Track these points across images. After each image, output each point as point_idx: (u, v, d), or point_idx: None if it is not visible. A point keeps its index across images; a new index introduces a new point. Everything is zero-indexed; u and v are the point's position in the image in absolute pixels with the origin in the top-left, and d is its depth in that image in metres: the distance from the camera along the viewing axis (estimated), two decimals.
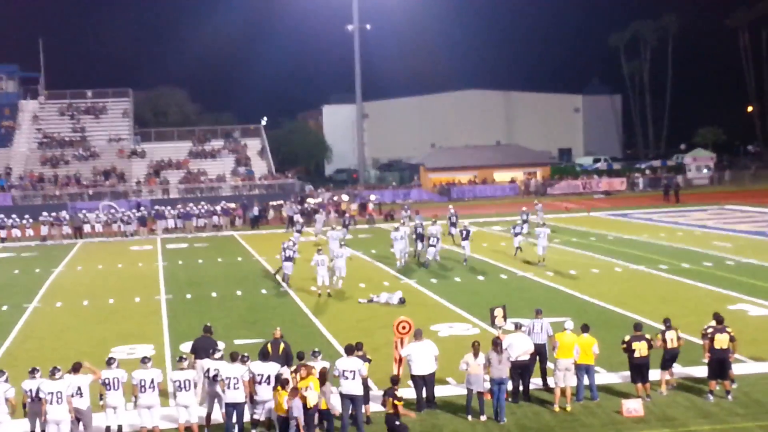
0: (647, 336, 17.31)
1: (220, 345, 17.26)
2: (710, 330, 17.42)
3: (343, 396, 15.93)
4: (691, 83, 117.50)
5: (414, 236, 38.28)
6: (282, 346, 17.40)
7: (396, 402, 15.24)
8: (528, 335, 17.87)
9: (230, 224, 54.55)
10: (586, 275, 32.05)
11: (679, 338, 17.59)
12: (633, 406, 16.20)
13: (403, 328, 18.05)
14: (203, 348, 17.54)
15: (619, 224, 48.26)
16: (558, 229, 47.51)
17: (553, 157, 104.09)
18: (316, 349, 16.86)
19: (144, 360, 16.02)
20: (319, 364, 16.12)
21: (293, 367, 16.00)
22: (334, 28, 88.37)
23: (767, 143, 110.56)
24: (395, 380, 15.69)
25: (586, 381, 17.33)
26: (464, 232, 37.08)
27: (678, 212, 54.06)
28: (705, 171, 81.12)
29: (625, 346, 17.26)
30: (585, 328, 17.64)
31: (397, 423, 15.22)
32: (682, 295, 27.61)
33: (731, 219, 49.51)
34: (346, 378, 15.90)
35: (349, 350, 16.43)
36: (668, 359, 17.50)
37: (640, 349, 17.05)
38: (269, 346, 17.28)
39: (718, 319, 17.76)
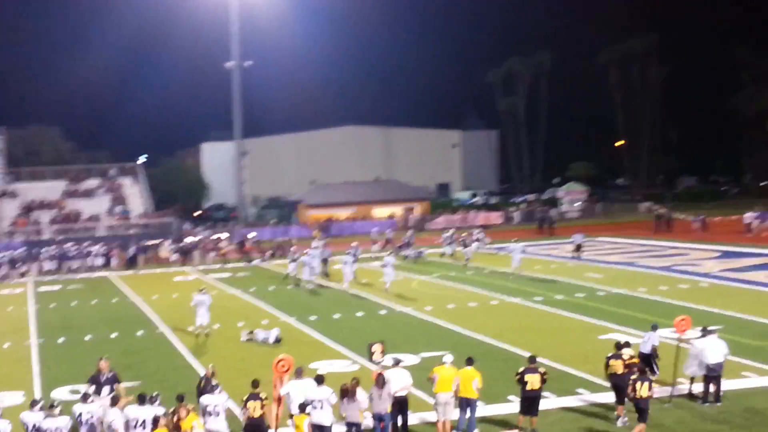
0: (541, 369, 17.63)
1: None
2: (608, 356, 18.24)
3: (313, 426, 16.07)
4: (565, 118, 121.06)
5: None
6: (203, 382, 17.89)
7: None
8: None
9: (122, 263, 53.41)
10: (463, 309, 32.48)
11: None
12: None
13: (283, 366, 17.96)
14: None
15: (495, 258, 49.08)
16: (435, 263, 48.18)
17: (432, 192, 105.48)
18: (215, 383, 16.95)
19: (33, 403, 15.69)
20: (221, 397, 16.36)
21: (171, 409, 15.86)
22: (212, 65, 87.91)
23: (635, 176, 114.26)
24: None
25: (469, 413, 17.52)
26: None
27: (552, 245, 55.32)
28: (577, 204, 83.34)
29: (518, 377, 17.49)
30: (469, 362, 17.86)
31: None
32: (556, 326, 28.24)
33: (602, 250, 50.90)
34: (315, 408, 16.13)
35: (319, 380, 16.60)
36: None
37: (533, 381, 17.30)
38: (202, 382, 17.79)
39: (618, 345, 18.61)
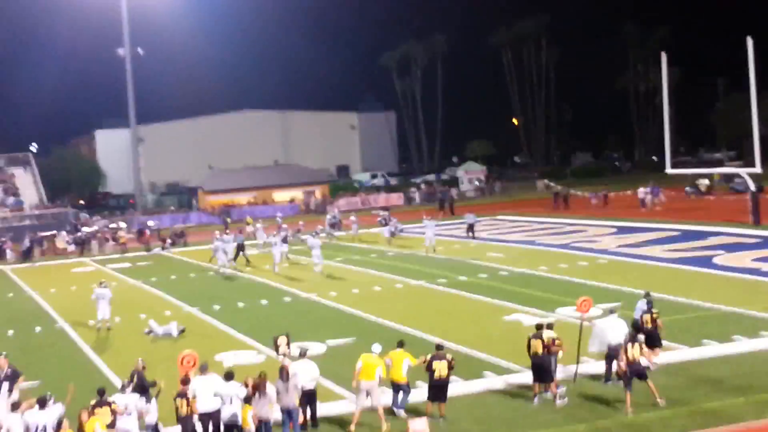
0: (448, 356, 17.65)
1: None
2: (529, 336, 18.61)
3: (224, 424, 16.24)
4: (461, 99, 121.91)
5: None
6: (135, 377, 17.30)
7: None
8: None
9: (17, 255, 51.96)
10: (368, 293, 32.49)
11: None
12: (419, 427, 16.40)
13: (188, 362, 17.69)
14: None
15: (398, 239, 49.21)
16: (340, 247, 48.11)
17: (332, 174, 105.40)
18: (128, 382, 16.82)
19: None
20: (128, 397, 16.05)
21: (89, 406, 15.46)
22: (103, 51, 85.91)
23: (532, 154, 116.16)
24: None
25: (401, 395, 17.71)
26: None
27: (453, 224, 55.54)
28: (477, 183, 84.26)
29: (425, 365, 17.48)
30: (400, 344, 18.04)
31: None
32: (460, 308, 28.48)
33: (503, 229, 51.58)
34: (224, 403, 16.17)
35: (229, 376, 16.55)
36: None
37: (440, 369, 17.32)
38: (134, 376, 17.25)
39: (538, 326, 18.94)
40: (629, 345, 17.51)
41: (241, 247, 44.00)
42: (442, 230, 51.83)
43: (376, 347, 17.88)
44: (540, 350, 18.19)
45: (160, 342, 26.12)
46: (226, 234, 45.60)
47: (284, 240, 42.69)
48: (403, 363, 17.52)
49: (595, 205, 62.73)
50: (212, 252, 42.16)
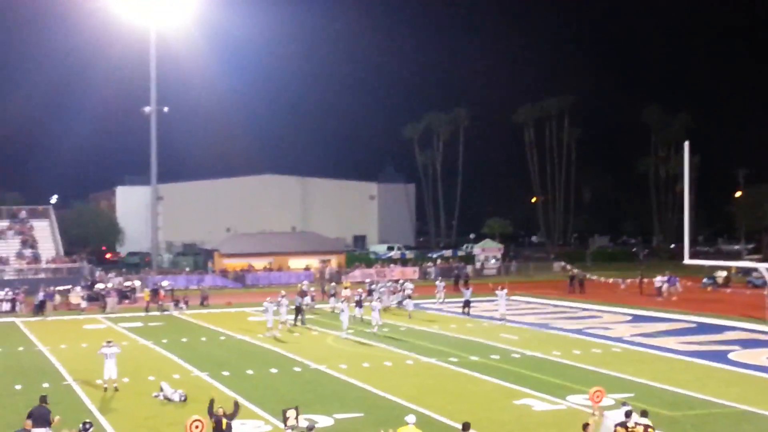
0: None
1: None
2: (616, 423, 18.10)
3: None
4: (481, 175, 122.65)
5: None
6: None
7: None
8: None
9: (29, 309, 52.11)
10: (378, 368, 32.23)
11: None
12: None
13: (196, 427, 17.55)
14: (41, 416, 19.23)
15: (413, 313, 48.91)
16: (350, 319, 47.84)
17: (348, 244, 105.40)
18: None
19: None
20: None
21: None
22: (129, 108, 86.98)
23: (549, 234, 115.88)
24: None
25: None
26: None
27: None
28: (493, 261, 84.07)
29: None
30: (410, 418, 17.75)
31: None
32: (471, 390, 28.16)
33: (517, 310, 51.15)
34: None
35: None
36: None
37: None
38: None
39: (627, 414, 18.32)
40: None
41: (298, 310, 45.19)
42: (456, 307, 51.58)
43: (411, 417, 17.71)
44: None
45: (166, 406, 25.92)
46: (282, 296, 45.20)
47: (359, 303, 46.57)
48: None
49: (624, 290, 62.42)
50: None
